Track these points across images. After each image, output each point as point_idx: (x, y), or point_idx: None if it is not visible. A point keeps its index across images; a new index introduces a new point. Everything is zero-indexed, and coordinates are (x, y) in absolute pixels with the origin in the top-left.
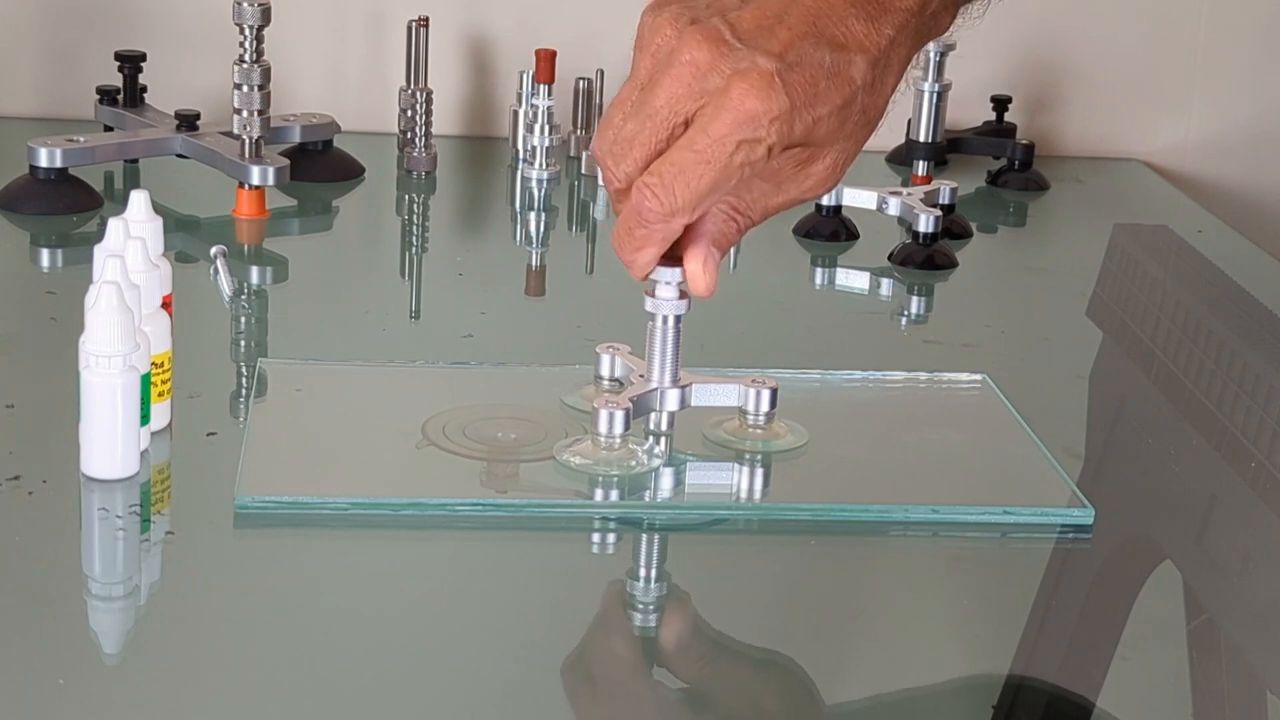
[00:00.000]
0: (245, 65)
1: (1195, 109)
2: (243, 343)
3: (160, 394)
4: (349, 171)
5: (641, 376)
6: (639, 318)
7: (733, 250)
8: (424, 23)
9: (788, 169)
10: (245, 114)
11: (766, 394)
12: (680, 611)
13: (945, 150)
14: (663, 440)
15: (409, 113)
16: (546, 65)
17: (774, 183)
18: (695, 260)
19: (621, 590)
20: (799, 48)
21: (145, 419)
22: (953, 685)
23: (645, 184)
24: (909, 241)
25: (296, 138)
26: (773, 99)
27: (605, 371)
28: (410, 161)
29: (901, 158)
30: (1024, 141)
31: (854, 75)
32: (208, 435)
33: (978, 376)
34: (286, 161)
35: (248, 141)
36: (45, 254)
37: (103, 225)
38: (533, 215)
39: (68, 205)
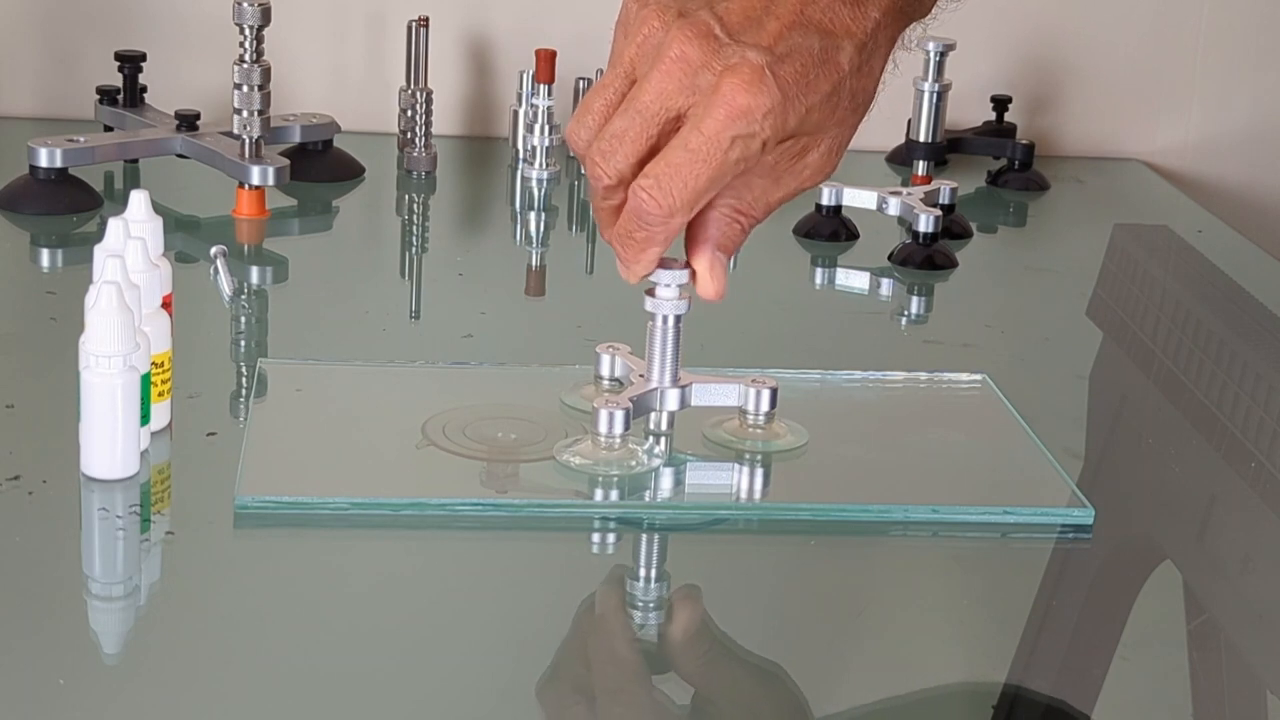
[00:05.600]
0: (245, 65)
1: (1195, 109)
2: (243, 343)
3: (160, 394)
4: (349, 171)
5: (641, 376)
6: (639, 318)
7: None
8: (424, 23)
9: (784, 162)
10: (245, 114)
11: (766, 394)
12: (679, 612)
13: (945, 150)
14: (663, 440)
15: (409, 113)
16: (546, 65)
17: (772, 178)
18: (702, 264)
19: (608, 596)
20: (788, 38)
21: (145, 419)
22: (952, 685)
23: (641, 186)
24: (909, 241)
25: (296, 138)
26: (764, 93)
27: (605, 371)
28: (410, 161)
29: (901, 158)
30: (1024, 141)
31: (842, 61)
32: (208, 435)
33: (978, 376)
34: (286, 161)
35: (248, 141)
36: (45, 254)
37: (103, 225)
38: (533, 215)
39: (68, 205)
